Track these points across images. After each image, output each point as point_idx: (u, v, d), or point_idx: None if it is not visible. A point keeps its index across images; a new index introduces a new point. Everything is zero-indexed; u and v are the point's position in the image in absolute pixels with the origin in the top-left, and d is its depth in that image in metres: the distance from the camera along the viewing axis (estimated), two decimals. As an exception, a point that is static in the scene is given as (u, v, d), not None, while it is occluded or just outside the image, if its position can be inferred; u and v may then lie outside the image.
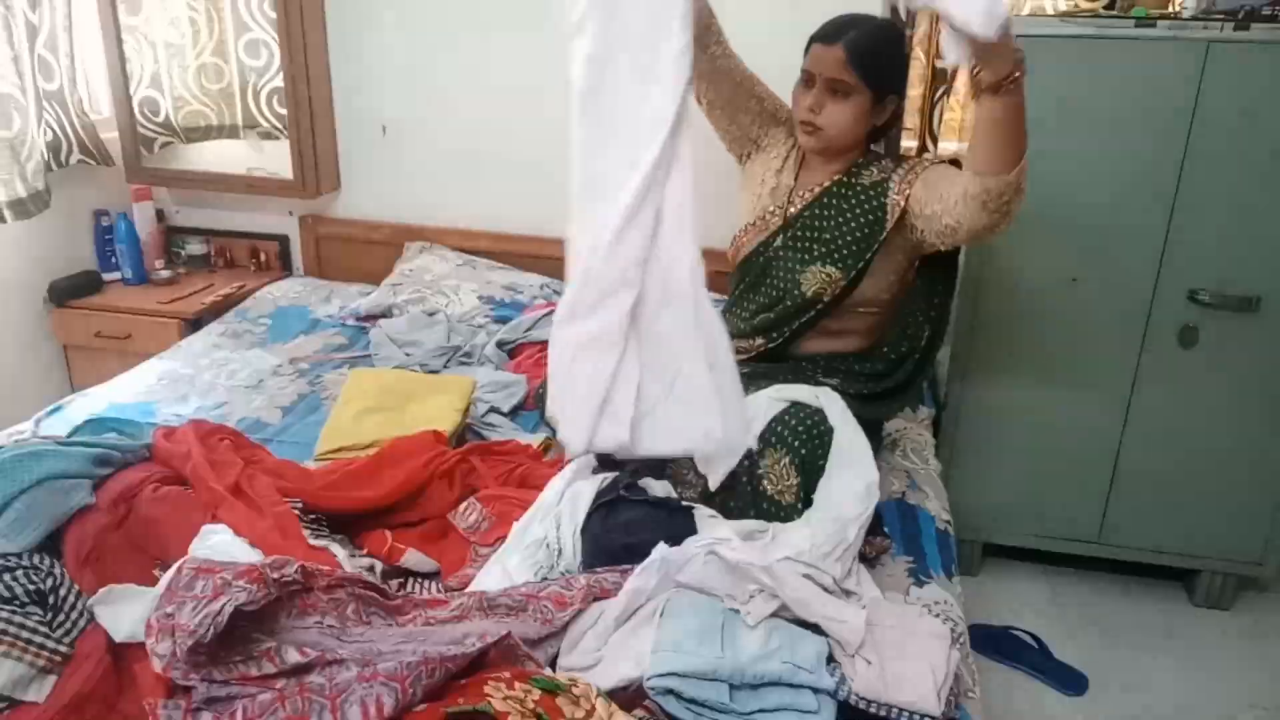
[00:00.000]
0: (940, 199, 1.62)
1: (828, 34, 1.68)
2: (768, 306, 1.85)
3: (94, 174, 2.88)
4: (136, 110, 2.88)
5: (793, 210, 1.82)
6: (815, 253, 1.78)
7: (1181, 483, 2.26)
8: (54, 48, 2.63)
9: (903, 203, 1.69)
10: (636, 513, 1.45)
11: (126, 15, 2.78)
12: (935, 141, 2.50)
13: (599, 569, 1.38)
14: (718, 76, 1.82)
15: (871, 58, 1.66)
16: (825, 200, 1.79)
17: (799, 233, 1.81)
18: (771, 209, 1.85)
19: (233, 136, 2.91)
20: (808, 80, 1.71)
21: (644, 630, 1.24)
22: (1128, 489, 2.29)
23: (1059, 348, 2.22)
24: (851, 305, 1.79)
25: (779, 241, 1.83)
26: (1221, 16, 1.96)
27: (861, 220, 1.75)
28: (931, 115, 2.47)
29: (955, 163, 1.72)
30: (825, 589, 1.31)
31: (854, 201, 1.76)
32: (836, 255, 1.76)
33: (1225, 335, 2.13)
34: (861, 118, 1.71)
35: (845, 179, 1.78)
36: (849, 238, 1.75)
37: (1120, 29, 1.98)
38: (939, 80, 2.44)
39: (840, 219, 1.76)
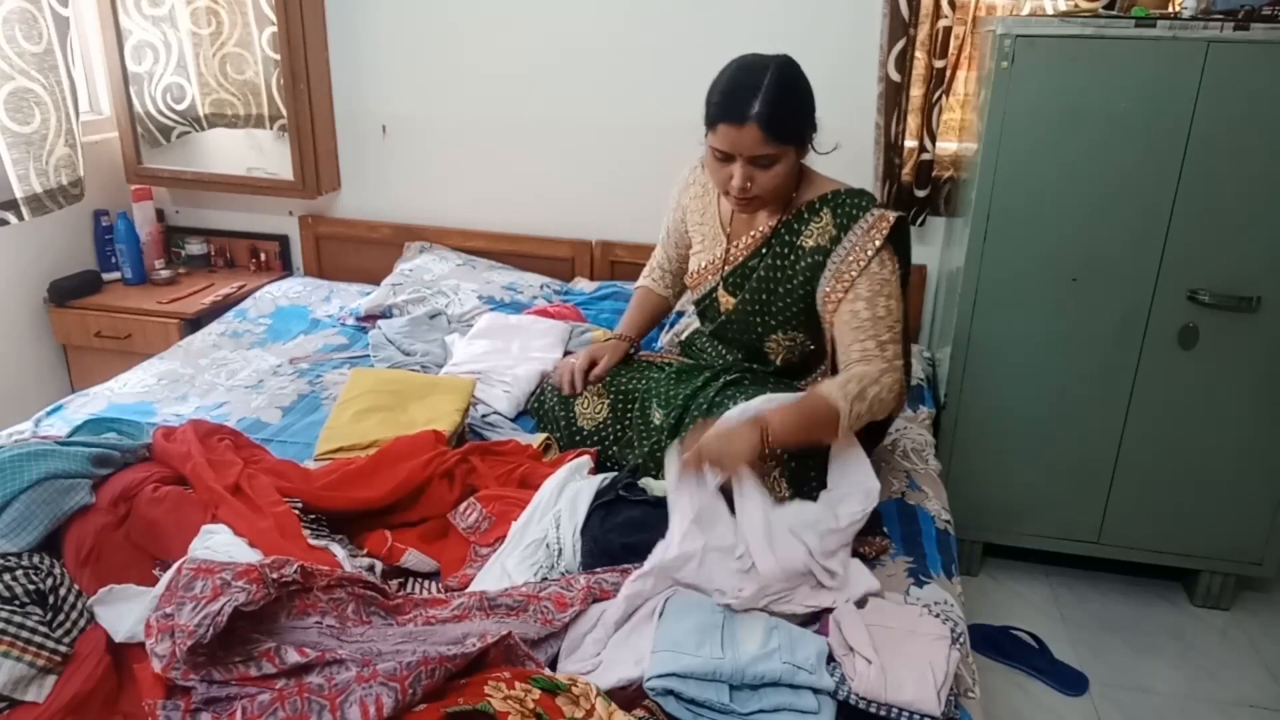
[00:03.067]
0: (843, 346, 1.61)
1: (733, 114, 1.53)
2: (743, 361, 1.84)
3: (94, 174, 2.88)
4: (160, 99, 2.90)
5: (733, 262, 1.77)
6: (773, 321, 1.74)
7: (1181, 483, 2.26)
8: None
9: (834, 305, 1.62)
10: (636, 513, 1.46)
11: (150, 7, 2.80)
12: (934, 140, 2.50)
13: (599, 569, 1.38)
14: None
15: (786, 123, 1.55)
16: (767, 256, 1.72)
17: (749, 295, 1.75)
18: (713, 258, 1.82)
19: (259, 126, 2.92)
20: (724, 158, 1.59)
21: (643, 630, 1.24)
22: (1128, 489, 2.29)
23: (1059, 348, 2.22)
24: (824, 342, 1.76)
25: (732, 301, 1.79)
26: (1221, 16, 1.95)
27: (801, 290, 1.69)
28: (931, 115, 2.47)
29: (900, 224, 1.63)
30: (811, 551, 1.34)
31: (798, 266, 1.69)
32: (794, 321, 1.73)
33: (1225, 335, 2.13)
34: (794, 169, 1.64)
35: (783, 233, 1.71)
36: (800, 305, 1.71)
37: (1120, 29, 1.98)
38: (938, 80, 2.44)
39: (788, 284, 1.71)
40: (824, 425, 1.50)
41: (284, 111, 2.84)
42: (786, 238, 1.71)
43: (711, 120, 1.58)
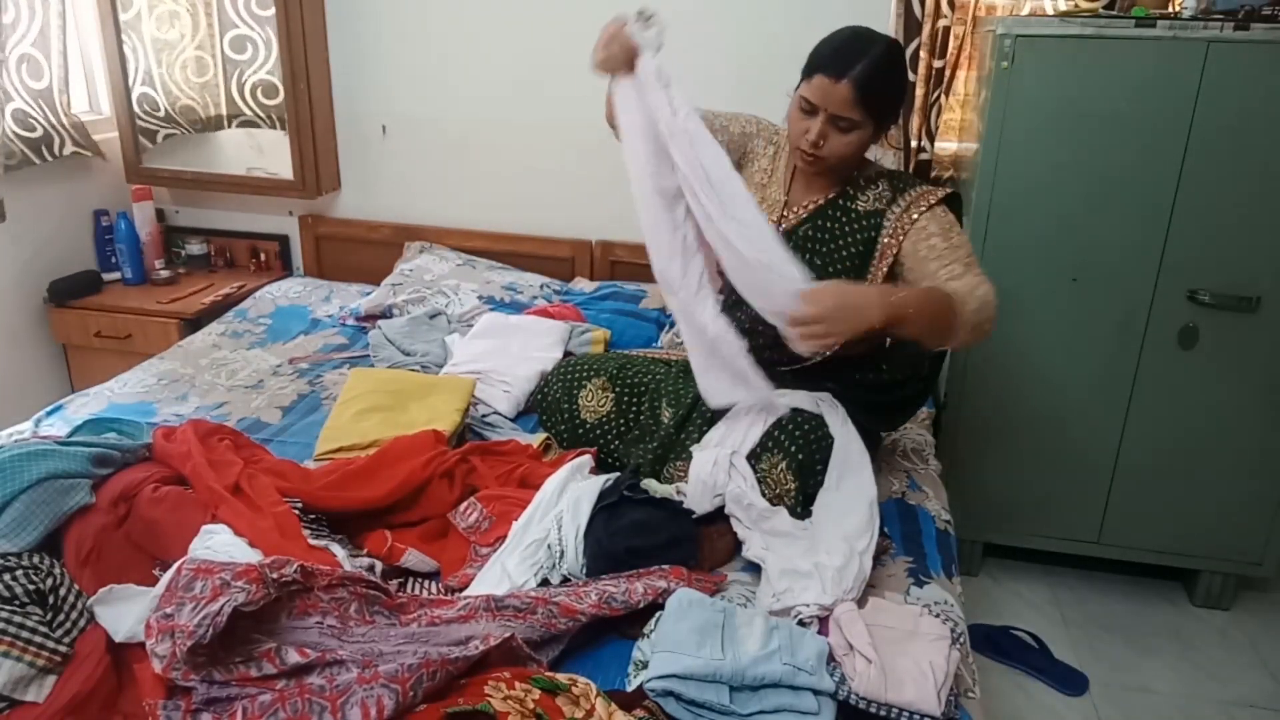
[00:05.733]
0: (926, 277, 1.62)
1: (834, 66, 1.56)
2: (760, 339, 1.84)
3: (94, 174, 2.88)
4: (136, 106, 2.89)
5: (785, 226, 1.77)
6: (810, 276, 1.75)
7: (1181, 483, 2.26)
8: (45, 47, 2.63)
9: (893, 253, 1.66)
10: (639, 514, 1.45)
11: (119, 12, 2.78)
12: (933, 140, 2.50)
13: (605, 577, 1.38)
14: None
15: (879, 94, 1.58)
16: (819, 221, 1.74)
17: (792, 251, 1.75)
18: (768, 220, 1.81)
19: (218, 128, 2.92)
20: (809, 109, 1.61)
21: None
22: (1128, 489, 2.29)
23: (1059, 348, 2.22)
24: None
25: None
26: (1221, 16, 1.95)
27: (854, 249, 1.71)
28: (930, 114, 2.47)
29: (954, 197, 1.69)
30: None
31: (848, 227, 1.71)
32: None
33: (1225, 335, 2.13)
34: (864, 147, 1.66)
35: (839, 200, 1.73)
36: (842, 265, 1.71)
37: (1120, 29, 1.98)
38: (938, 80, 2.44)
39: (834, 243, 1.72)
40: (944, 313, 1.50)
41: (242, 109, 2.86)
42: (841, 203, 1.73)
43: (810, 70, 1.61)
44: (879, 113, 1.60)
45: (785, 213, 1.77)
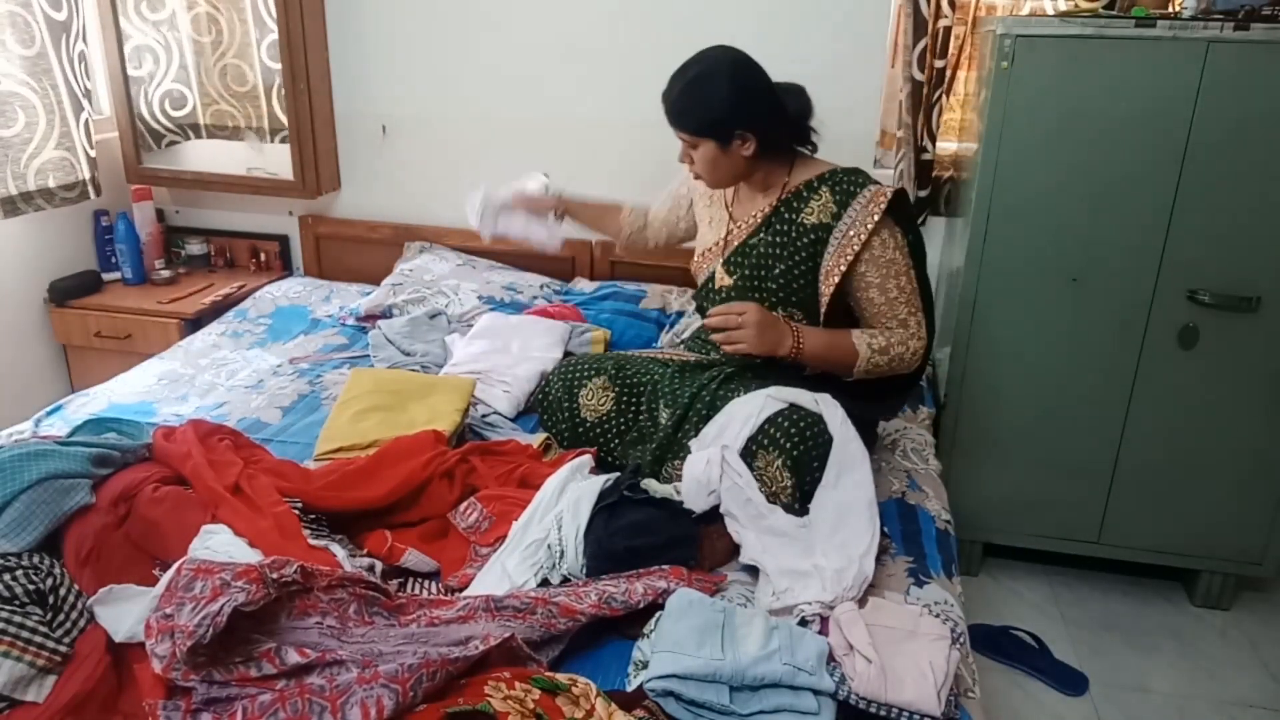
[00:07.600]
0: (864, 305, 1.75)
1: (663, 93, 1.71)
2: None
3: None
4: (156, 105, 2.89)
5: (734, 241, 1.82)
6: (771, 298, 1.79)
7: (1181, 483, 2.26)
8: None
9: (835, 280, 1.71)
10: (639, 515, 1.45)
11: (150, 12, 2.79)
12: (934, 140, 2.50)
13: (605, 577, 1.38)
14: (655, 233, 2.16)
15: (685, 116, 1.69)
16: (766, 236, 1.78)
17: (748, 272, 1.81)
18: (716, 240, 1.88)
19: (259, 140, 2.92)
20: None
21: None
22: (1128, 489, 2.29)
23: (1059, 348, 2.22)
24: (828, 323, 1.80)
25: (729, 280, 1.83)
26: (1221, 16, 1.95)
27: (807, 265, 1.75)
28: (931, 115, 2.47)
29: (900, 196, 1.72)
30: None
31: (799, 240, 1.75)
32: (794, 299, 1.77)
33: (1225, 335, 2.13)
34: (719, 159, 1.73)
35: (784, 211, 1.77)
36: (799, 281, 1.76)
37: (1120, 29, 1.98)
38: (938, 80, 2.44)
39: (788, 261, 1.76)
40: (844, 360, 1.72)
41: (285, 122, 2.84)
42: (786, 215, 1.78)
43: None
44: (697, 130, 1.69)
45: (730, 229, 1.85)
